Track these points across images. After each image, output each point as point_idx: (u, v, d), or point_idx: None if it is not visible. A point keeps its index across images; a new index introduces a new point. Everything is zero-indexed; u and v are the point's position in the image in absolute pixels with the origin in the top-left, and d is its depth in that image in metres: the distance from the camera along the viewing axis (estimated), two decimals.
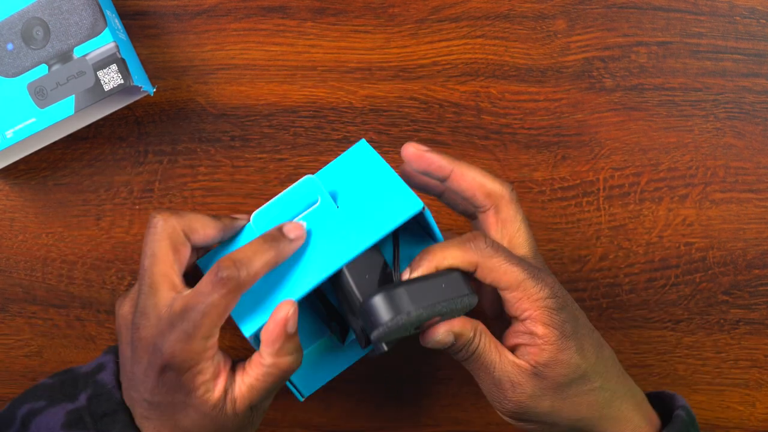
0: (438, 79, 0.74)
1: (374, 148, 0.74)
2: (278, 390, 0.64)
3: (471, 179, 0.64)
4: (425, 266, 0.61)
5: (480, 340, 0.62)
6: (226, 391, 0.62)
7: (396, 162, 0.74)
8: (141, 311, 0.62)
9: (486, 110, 0.74)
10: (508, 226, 0.64)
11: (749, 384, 0.75)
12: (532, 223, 0.74)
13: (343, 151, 0.74)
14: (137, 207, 0.75)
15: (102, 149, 0.74)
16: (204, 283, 0.60)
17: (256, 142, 0.74)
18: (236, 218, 0.66)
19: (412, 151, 0.64)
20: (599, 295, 0.75)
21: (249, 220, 0.65)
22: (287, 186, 0.74)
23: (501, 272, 0.62)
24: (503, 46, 0.74)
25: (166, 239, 0.62)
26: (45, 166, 0.75)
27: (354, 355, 0.68)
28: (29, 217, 0.75)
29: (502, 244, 0.64)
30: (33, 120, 0.69)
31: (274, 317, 0.61)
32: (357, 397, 0.76)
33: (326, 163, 0.74)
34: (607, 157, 0.74)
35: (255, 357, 0.63)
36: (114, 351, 0.67)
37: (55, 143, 0.74)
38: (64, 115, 0.69)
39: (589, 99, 0.74)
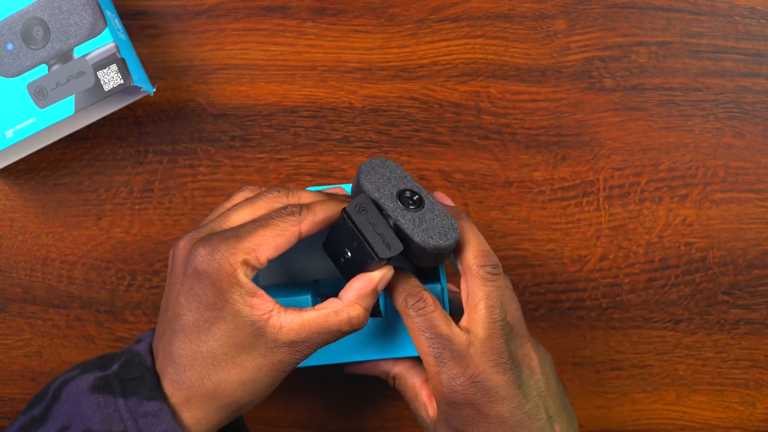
0: (438, 79, 0.74)
1: (374, 148, 0.74)
2: (321, 346, 0.63)
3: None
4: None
5: (396, 381, 0.67)
6: (270, 314, 0.61)
7: (396, 159, 0.74)
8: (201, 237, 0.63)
9: (486, 110, 0.74)
10: (470, 299, 0.63)
11: (749, 384, 0.75)
12: (532, 224, 0.74)
13: (343, 151, 0.74)
14: (137, 207, 0.75)
15: (102, 149, 0.74)
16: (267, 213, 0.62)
17: (256, 142, 0.74)
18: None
19: None
20: (599, 295, 0.75)
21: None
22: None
23: (413, 338, 0.62)
24: (503, 46, 0.73)
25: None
26: (45, 166, 0.75)
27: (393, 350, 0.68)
28: (29, 217, 0.75)
29: (465, 312, 0.63)
30: (33, 120, 0.69)
31: (371, 274, 0.62)
32: (357, 397, 0.76)
33: (326, 162, 0.74)
34: (607, 157, 0.74)
35: (321, 302, 0.63)
36: (154, 329, 0.67)
37: (55, 143, 0.74)
38: (64, 115, 0.69)
39: (589, 99, 0.74)
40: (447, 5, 0.73)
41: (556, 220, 0.74)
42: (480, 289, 0.63)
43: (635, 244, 0.74)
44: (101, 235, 0.75)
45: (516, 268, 0.75)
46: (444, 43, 0.73)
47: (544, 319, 0.75)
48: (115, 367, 0.64)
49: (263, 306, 0.61)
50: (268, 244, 0.61)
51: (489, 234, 0.74)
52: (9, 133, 0.69)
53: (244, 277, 0.61)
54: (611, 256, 0.75)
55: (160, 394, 0.62)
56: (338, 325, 0.62)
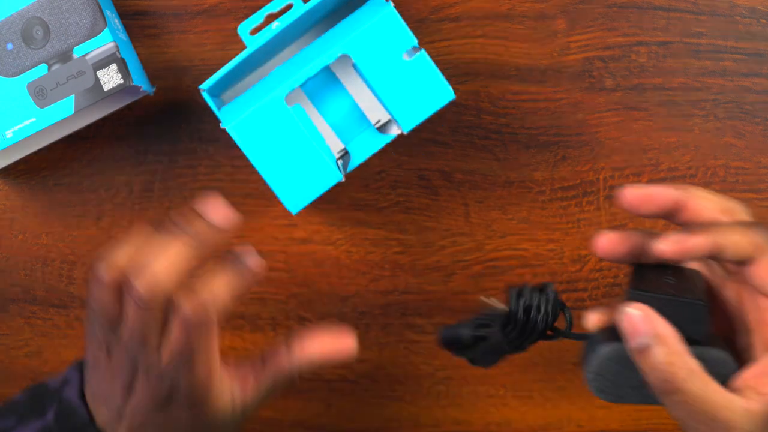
0: None
1: None
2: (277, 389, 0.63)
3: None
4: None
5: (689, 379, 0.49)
6: (231, 396, 0.60)
7: (396, 159, 0.74)
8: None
9: (486, 110, 0.74)
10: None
11: None
12: (532, 224, 0.74)
13: None
14: (137, 207, 0.75)
15: (102, 149, 0.75)
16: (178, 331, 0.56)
17: None
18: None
19: (630, 196, 0.53)
20: (599, 295, 0.75)
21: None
22: None
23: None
24: (503, 46, 0.73)
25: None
26: (45, 166, 0.75)
27: (337, 176, 0.67)
28: (29, 217, 0.75)
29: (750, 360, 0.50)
30: (33, 120, 0.69)
31: (338, 339, 0.60)
32: (357, 397, 0.76)
33: None
34: (607, 157, 0.74)
35: (268, 357, 0.61)
36: (78, 367, 0.62)
37: (55, 143, 0.74)
38: (64, 115, 0.69)
39: (589, 99, 0.74)
40: (447, 5, 0.73)
41: (556, 220, 0.74)
42: None
43: None
44: (101, 235, 0.75)
45: (516, 268, 0.75)
46: (444, 43, 0.73)
47: None
48: (50, 416, 0.61)
49: (225, 395, 0.59)
50: (214, 348, 0.57)
51: (489, 234, 0.74)
52: (9, 133, 0.69)
53: (217, 384, 0.58)
54: None
55: None
56: (285, 384, 0.60)
